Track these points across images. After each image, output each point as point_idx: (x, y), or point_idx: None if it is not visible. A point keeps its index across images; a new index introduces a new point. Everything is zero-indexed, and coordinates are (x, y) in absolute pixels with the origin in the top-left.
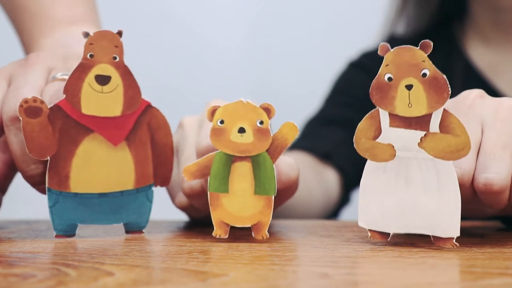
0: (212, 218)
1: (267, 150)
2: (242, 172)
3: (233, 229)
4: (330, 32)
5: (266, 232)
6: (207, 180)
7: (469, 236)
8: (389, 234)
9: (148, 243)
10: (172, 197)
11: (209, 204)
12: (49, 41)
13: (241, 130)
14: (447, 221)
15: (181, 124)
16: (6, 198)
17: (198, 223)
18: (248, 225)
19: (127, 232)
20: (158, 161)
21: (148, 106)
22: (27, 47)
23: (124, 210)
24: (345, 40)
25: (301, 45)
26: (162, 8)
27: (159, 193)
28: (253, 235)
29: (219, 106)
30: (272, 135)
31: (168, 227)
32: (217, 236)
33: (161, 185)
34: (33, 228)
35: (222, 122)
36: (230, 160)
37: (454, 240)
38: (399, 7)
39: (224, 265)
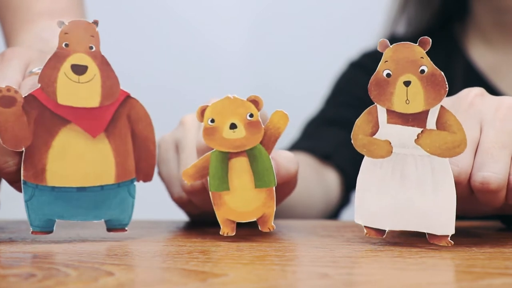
0: (217, 217)
1: (261, 142)
2: (240, 168)
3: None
4: (331, 32)
5: (272, 223)
6: (207, 179)
7: (468, 236)
8: (385, 231)
9: (148, 243)
10: (170, 192)
11: (213, 204)
12: (29, 34)
13: (233, 126)
14: (442, 219)
15: (182, 121)
16: (7, 198)
17: (198, 223)
18: (253, 219)
19: (109, 230)
20: (139, 155)
21: (127, 97)
22: (8, 40)
23: (105, 206)
24: (345, 40)
25: (301, 45)
26: (163, 8)
27: (159, 194)
28: (260, 228)
29: (207, 106)
30: (263, 126)
31: (168, 227)
32: (225, 234)
33: (144, 181)
34: None
35: (212, 121)
36: (227, 157)
37: (449, 238)
38: (400, 6)
39: (224, 265)
